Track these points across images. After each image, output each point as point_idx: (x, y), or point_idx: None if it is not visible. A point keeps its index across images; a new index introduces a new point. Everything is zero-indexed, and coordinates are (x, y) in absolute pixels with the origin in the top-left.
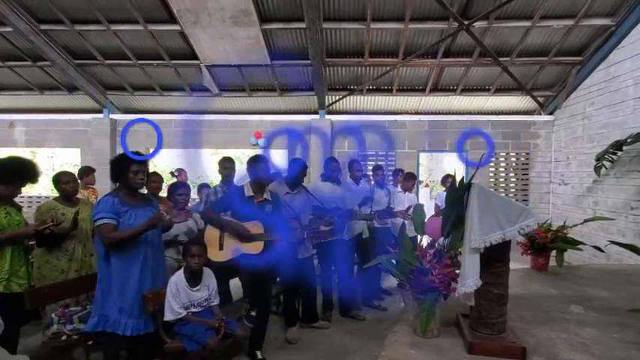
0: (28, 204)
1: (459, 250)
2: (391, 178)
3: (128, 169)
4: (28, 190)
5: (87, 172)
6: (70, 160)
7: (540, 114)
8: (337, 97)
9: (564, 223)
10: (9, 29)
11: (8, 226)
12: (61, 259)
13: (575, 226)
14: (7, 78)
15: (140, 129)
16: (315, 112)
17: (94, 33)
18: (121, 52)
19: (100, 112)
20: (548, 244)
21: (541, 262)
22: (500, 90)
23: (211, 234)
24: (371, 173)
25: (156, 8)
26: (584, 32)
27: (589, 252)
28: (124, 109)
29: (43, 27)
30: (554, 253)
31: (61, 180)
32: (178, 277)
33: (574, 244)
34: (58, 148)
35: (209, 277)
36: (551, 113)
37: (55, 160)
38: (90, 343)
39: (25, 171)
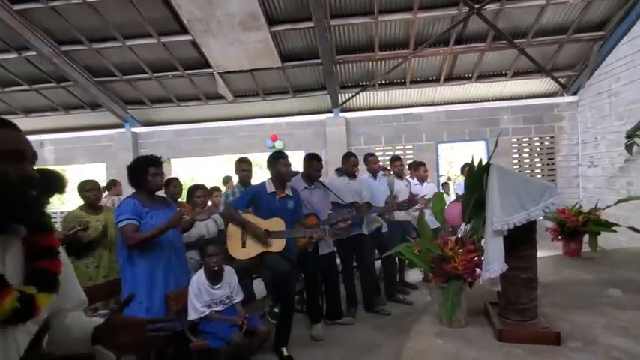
0: (60, 219)
1: (482, 235)
2: (408, 172)
3: (147, 172)
4: (59, 207)
5: (114, 183)
6: (97, 175)
7: (563, 95)
8: (350, 95)
9: (596, 205)
10: (33, 53)
11: None
12: (89, 267)
13: (607, 207)
14: (35, 100)
15: (161, 140)
16: (330, 111)
17: (111, 50)
18: (137, 67)
19: (121, 126)
20: (579, 228)
21: (573, 248)
22: (518, 74)
23: (233, 232)
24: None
25: (167, 20)
26: (604, 5)
27: (625, 235)
28: (144, 122)
29: (64, 48)
30: (586, 238)
31: (84, 188)
32: (199, 277)
33: (607, 226)
34: (85, 165)
35: (230, 274)
36: (574, 93)
37: (84, 177)
38: None
39: (53, 182)
